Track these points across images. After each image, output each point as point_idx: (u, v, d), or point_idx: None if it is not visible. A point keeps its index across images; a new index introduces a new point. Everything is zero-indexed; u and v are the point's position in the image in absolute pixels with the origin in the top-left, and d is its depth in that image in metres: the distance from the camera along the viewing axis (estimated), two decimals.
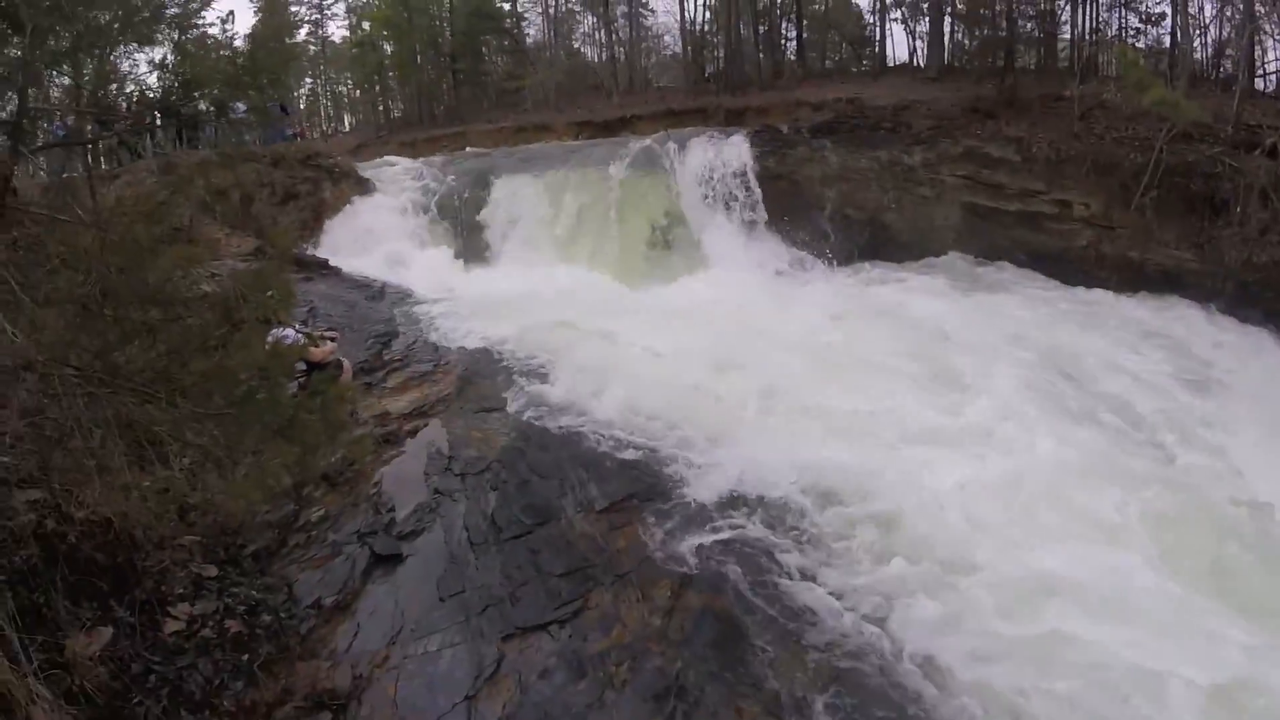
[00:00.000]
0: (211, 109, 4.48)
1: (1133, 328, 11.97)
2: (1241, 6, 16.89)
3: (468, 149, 19.79)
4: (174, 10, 4.15)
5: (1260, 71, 18.04)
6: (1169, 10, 19.59)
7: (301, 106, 36.65)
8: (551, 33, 32.44)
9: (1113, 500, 6.84)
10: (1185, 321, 12.48)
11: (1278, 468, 7.95)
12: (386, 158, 18.63)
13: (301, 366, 6.13)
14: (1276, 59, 18.21)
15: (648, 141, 15.91)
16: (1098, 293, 13.35)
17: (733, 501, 6.25)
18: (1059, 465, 7.26)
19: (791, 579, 5.60)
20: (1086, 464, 7.42)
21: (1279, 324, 12.54)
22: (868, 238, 15.19)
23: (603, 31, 30.41)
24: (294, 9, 35.31)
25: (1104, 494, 6.91)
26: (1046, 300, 12.86)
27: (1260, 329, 12.44)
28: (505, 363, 8.26)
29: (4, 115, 3.93)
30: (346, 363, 7.05)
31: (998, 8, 19.22)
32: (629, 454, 6.68)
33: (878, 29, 24.66)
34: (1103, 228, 14.00)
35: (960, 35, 22.11)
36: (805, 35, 25.46)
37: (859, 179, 15.51)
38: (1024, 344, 10.45)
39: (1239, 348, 11.88)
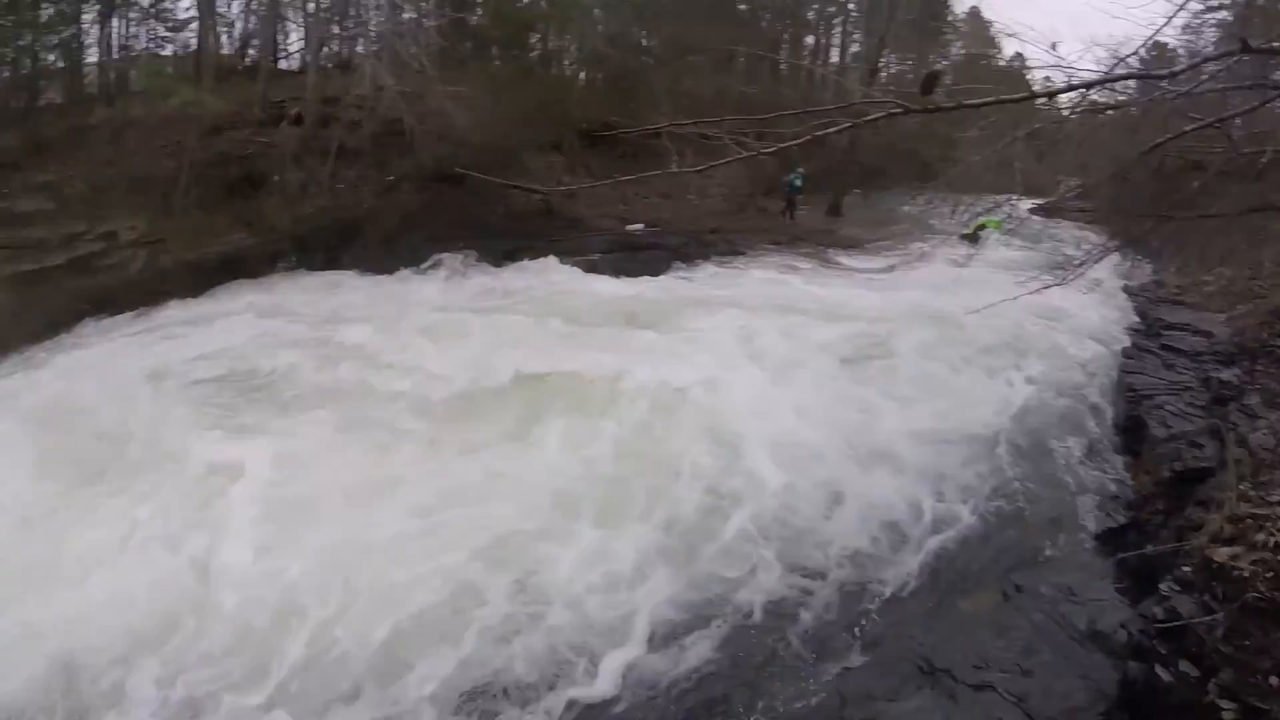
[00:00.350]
0: None
1: (236, 317, 11.94)
2: None
3: None
4: None
5: (284, 53, 20.41)
6: (196, 13, 20.47)
7: None
8: None
9: None
10: (282, 291, 13.31)
11: None
12: None
13: None
14: (299, 39, 20.43)
15: None
16: (171, 308, 12.80)
17: None
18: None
19: None
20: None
21: (349, 262, 14.52)
22: None
23: None
24: None
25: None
26: (140, 339, 11.80)
27: (337, 271, 14.26)
28: None
29: None
30: None
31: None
32: None
33: None
34: (154, 243, 13.70)
35: None
36: None
37: None
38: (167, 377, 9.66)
39: (320, 291, 13.30)
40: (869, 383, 9.03)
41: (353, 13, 17.06)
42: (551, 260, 15.08)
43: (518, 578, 5.82)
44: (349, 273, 14.40)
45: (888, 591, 5.93)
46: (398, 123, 14.72)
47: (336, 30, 18.18)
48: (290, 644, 5.24)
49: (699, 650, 5.33)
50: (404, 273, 14.47)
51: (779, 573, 5.99)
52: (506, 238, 16.10)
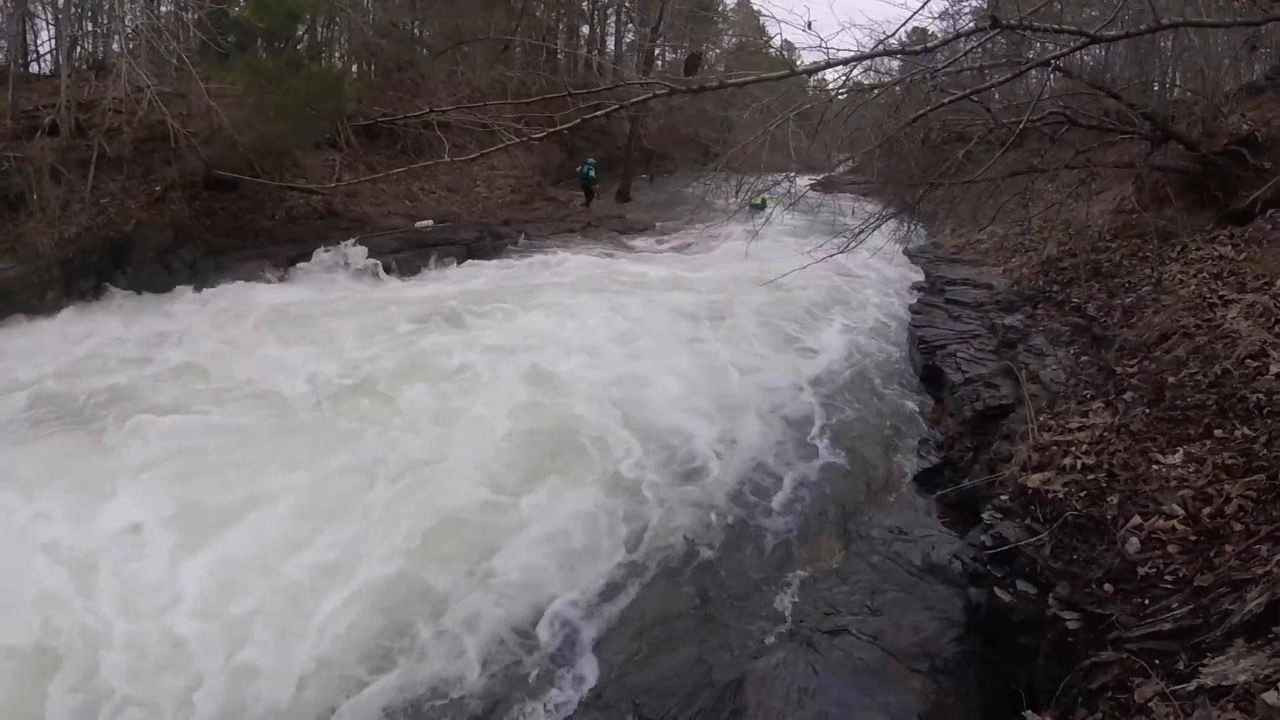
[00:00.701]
0: None
1: (36, 346, 10.45)
2: None
3: None
4: None
5: (34, 56, 17.72)
6: None
7: None
8: None
9: None
10: (72, 320, 11.58)
11: None
12: None
13: None
14: (50, 39, 17.72)
15: None
16: None
17: None
18: None
19: None
20: None
21: (126, 285, 12.87)
22: None
23: None
24: None
25: None
26: None
27: (115, 295, 12.60)
28: None
29: None
30: None
31: None
32: None
33: None
34: None
35: None
36: None
37: None
38: None
39: (118, 315, 11.82)
40: (728, 343, 9.93)
41: (106, 7, 14.92)
42: (352, 257, 14.34)
43: (468, 568, 5.69)
44: (128, 296, 12.80)
45: (761, 538, 6.34)
46: (161, 126, 13.21)
47: (90, 27, 15.85)
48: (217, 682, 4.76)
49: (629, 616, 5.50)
50: (184, 290, 13.01)
51: (689, 518, 6.41)
52: (289, 244, 14.98)
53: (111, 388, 8.59)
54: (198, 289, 12.97)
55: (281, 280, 13.65)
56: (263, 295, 12.70)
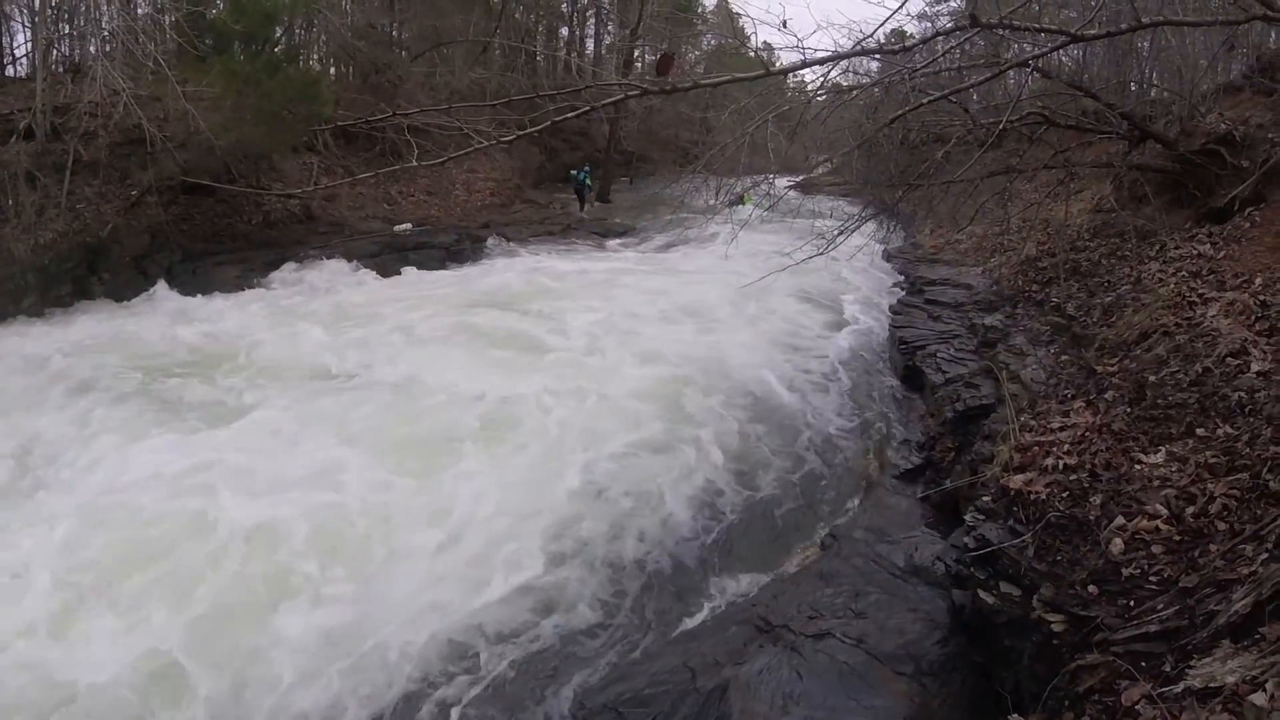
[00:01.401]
0: None
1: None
2: None
3: None
4: None
5: (9, 59, 17.37)
6: None
7: None
8: None
9: None
10: (63, 327, 11.60)
11: None
12: None
13: None
14: (26, 42, 17.29)
15: None
16: None
17: None
18: None
19: None
20: None
21: (103, 292, 12.87)
22: None
23: None
24: None
25: None
26: None
27: (92, 304, 12.57)
28: None
29: None
30: None
31: None
32: None
33: None
34: None
35: None
36: None
37: None
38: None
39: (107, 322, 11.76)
40: (712, 334, 10.39)
41: (83, 9, 14.64)
42: (339, 265, 14.44)
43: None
44: (109, 304, 12.76)
45: (744, 539, 6.41)
46: (137, 129, 13.04)
47: (67, 30, 15.52)
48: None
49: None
50: (187, 294, 13.00)
51: (671, 521, 6.51)
52: (267, 248, 14.89)
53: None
54: (173, 295, 12.95)
55: (275, 281, 13.76)
56: (253, 302, 12.75)
